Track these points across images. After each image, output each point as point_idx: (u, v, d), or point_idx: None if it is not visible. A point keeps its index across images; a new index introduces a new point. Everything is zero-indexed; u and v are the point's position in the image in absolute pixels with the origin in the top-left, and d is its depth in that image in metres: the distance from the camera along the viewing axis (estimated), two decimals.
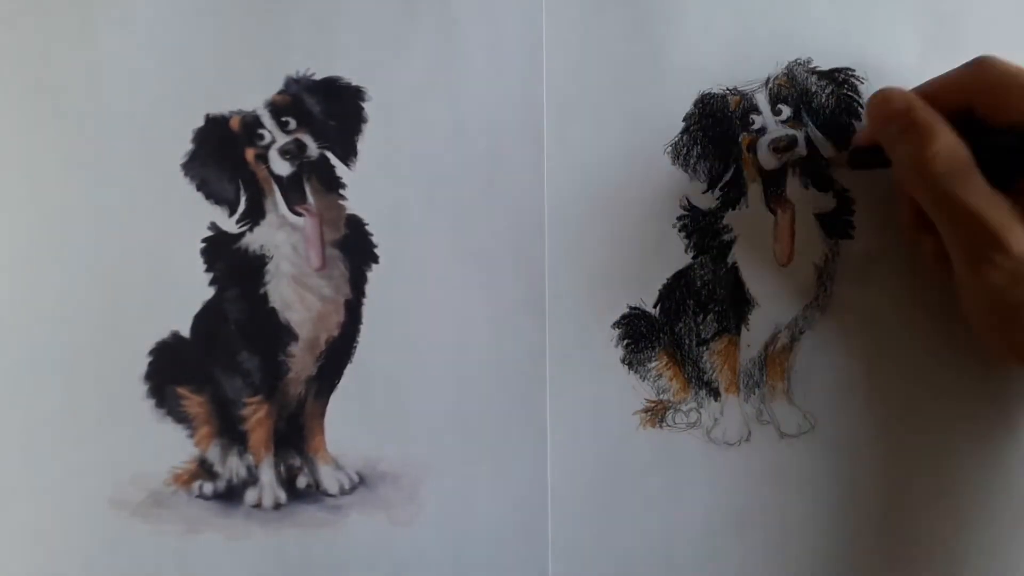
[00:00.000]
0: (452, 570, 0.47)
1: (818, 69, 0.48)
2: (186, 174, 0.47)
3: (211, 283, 0.48)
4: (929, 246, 0.44)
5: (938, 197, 0.40)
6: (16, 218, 0.47)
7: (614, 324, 0.48)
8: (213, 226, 0.48)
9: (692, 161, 0.48)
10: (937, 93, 0.42)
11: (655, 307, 0.48)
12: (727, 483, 0.48)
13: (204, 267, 0.48)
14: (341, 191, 0.48)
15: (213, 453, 0.48)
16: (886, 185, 0.47)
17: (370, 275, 0.48)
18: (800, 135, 0.48)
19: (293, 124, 0.48)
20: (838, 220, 0.48)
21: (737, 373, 0.48)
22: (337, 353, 0.48)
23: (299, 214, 0.48)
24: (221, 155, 0.48)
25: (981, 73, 0.41)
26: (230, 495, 0.48)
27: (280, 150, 0.47)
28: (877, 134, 0.43)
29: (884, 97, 0.43)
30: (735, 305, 0.48)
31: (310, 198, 0.48)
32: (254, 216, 0.48)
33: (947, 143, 0.40)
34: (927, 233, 0.44)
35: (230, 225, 0.48)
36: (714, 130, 0.48)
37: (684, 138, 0.48)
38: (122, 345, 0.47)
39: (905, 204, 0.45)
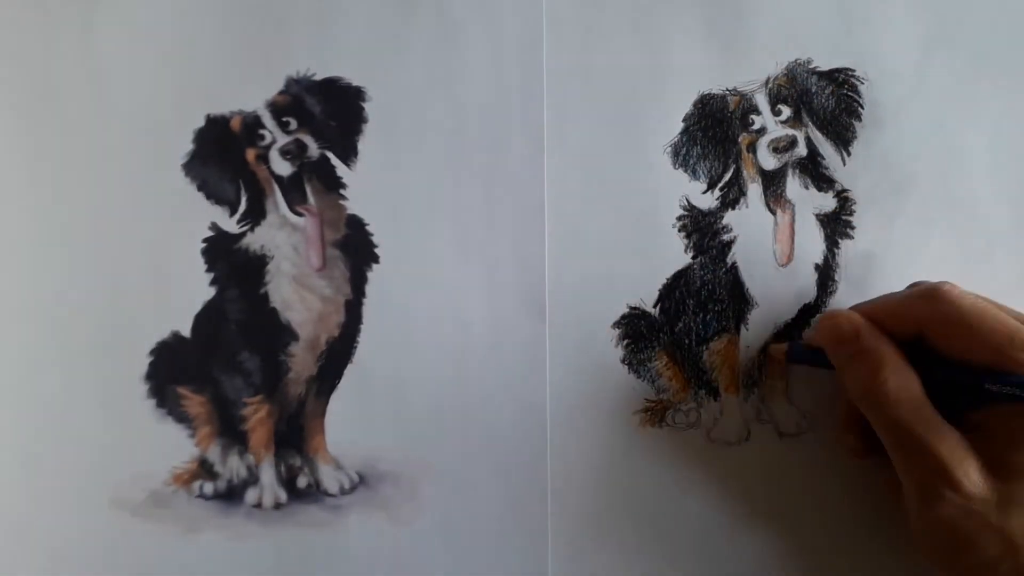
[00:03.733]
0: (452, 570, 0.47)
1: (818, 69, 0.48)
2: (187, 174, 0.48)
3: (212, 283, 0.48)
4: (861, 451, 0.44)
5: (888, 425, 0.40)
6: (16, 218, 0.47)
7: (614, 324, 0.48)
8: (214, 226, 0.48)
9: (692, 161, 0.48)
10: (888, 318, 0.41)
11: (655, 307, 0.48)
12: (727, 483, 0.48)
13: (205, 267, 0.48)
14: (342, 191, 0.48)
15: (214, 453, 0.48)
16: (886, 185, 0.47)
17: (370, 275, 0.48)
18: (800, 135, 0.48)
19: (294, 124, 0.48)
20: (838, 220, 0.48)
21: (737, 373, 0.48)
22: (337, 353, 0.48)
23: (300, 214, 0.48)
24: (222, 155, 0.48)
25: (936, 305, 0.40)
26: (230, 495, 0.48)
27: (281, 150, 0.48)
28: (828, 353, 0.43)
29: (833, 322, 0.42)
30: (735, 305, 0.48)
31: (311, 198, 0.48)
32: (255, 216, 0.48)
33: (897, 372, 0.40)
34: (865, 445, 0.44)
35: (231, 225, 0.48)
36: (714, 130, 0.48)
37: (684, 138, 0.48)
38: (123, 345, 0.47)
39: (843, 408, 0.45)
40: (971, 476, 0.38)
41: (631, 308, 0.48)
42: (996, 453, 0.38)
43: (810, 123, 0.48)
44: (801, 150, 0.48)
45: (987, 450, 0.38)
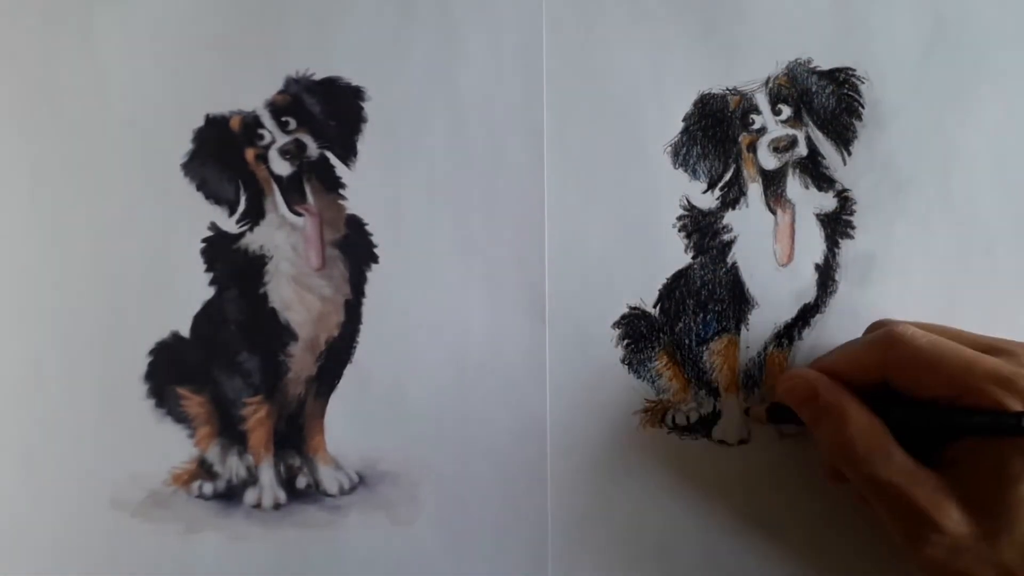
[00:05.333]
0: (452, 570, 0.47)
1: (818, 69, 0.48)
2: (186, 174, 0.48)
3: (211, 283, 0.48)
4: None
5: (862, 478, 0.39)
6: (17, 218, 0.48)
7: (614, 324, 0.48)
8: (213, 226, 0.48)
9: (692, 161, 0.48)
10: (848, 370, 0.41)
11: (655, 307, 0.48)
12: (727, 483, 0.47)
13: (204, 267, 0.48)
14: (341, 191, 0.48)
15: (213, 453, 0.48)
16: (886, 185, 0.47)
17: (370, 275, 0.48)
18: (800, 135, 0.48)
19: (293, 124, 0.48)
20: (838, 220, 0.48)
21: (737, 373, 0.48)
22: (337, 353, 0.48)
23: (299, 214, 0.48)
24: (221, 155, 0.48)
25: (892, 350, 0.40)
26: (230, 495, 0.48)
27: (280, 150, 0.48)
28: (797, 411, 0.43)
29: (791, 383, 0.42)
30: (735, 305, 0.48)
31: (310, 198, 0.48)
32: (254, 216, 0.48)
33: (861, 424, 0.39)
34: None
35: (230, 225, 0.48)
36: (714, 130, 0.48)
37: (684, 138, 0.48)
38: (122, 345, 0.47)
39: (828, 462, 0.44)
40: (953, 516, 0.38)
41: (631, 308, 0.48)
42: (974, 487, 0.38)
43: (810, 123, 0.48)
44: (801, 150, 0.48)
45: (965, 486, 0.38)
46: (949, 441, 0.39)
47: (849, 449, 0.40)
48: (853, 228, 0.48)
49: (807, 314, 0.48)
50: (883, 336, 0.41)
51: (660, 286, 0.48)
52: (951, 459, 0.39)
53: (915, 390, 0.40)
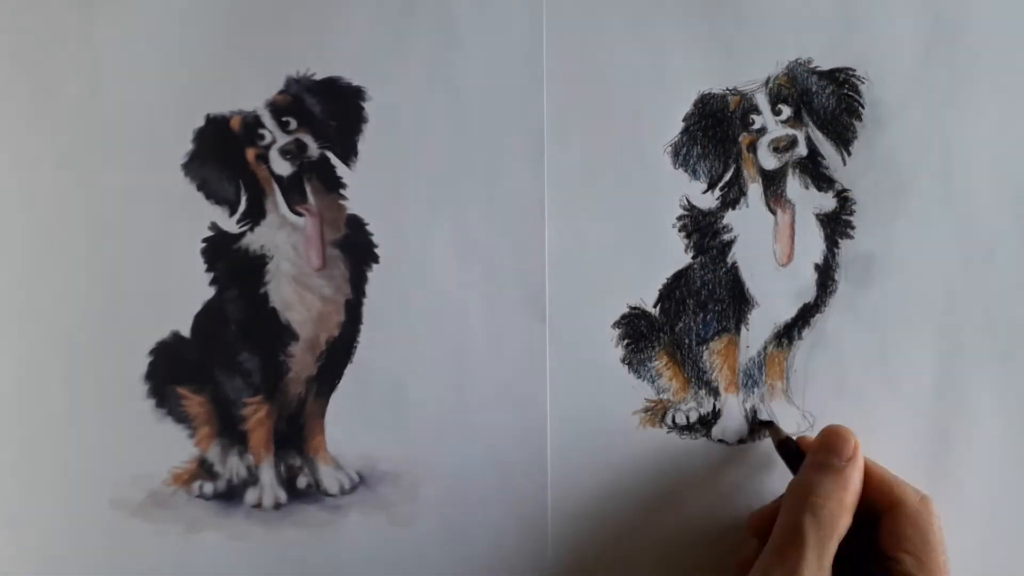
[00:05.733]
0: (452, 570, 0.47)
1: (818, 69, 0.48)
2: (186, 174, 0.48)
3: (211, 283, 0.48)
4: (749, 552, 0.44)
5: (789, 529, 0.40)
6: (17, 218, 0.47)
7: (614, 324, 0.48)
8: (213, 226, 0.48)
9: (692, 161, 0.48)
10: (875, 479, 0.42)
11: (655, 307, 0.48)
12: (727, 483, 0.48)
13: (204, 267, 0.48)
14: (341, 191, 0.48)
15: (213, 453, 0.48)
16: (886, 185, 0.47)
17: (370, 275, 0.48)
18: (800, 135, 0.48)
19: (293, 124, 0.48)
20: (838, 220, 0.48)
21: (736, 372, 0.48)
22: (337, 353, 0.48)
23: (299, 214, 0.48)
24: (221, 155, 0.48)
25: (917, 518, 0.41)
26: (230, 495, 0.48)
27: (280, 150, 0.48)
28: (814, 452, 0.43)
29: (843, 433, 0.42)
30: (735, 305, 0.48)
31: (310, 198, 0.48)
32: (254, 216, 0.48)
33: (842, 506, 0.40)
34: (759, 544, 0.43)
35: (230, 225, 0.48)
36: (714, 130, 0.48)
37: (684, 138, 0.48)
38: (122, 345, 0.47)
39: (766, 512, 0.45)
40: None
41: (631, 308, 0.48)
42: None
43: (810, 123, 0.48)
44: (801, 150, 0.48)
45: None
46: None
47: (814, 505, 0.40)
48: (853, 228, 0.48)
49: (807, 314, 0.48)
50: (923, 501, 0.41)
51: (660, 286, 0.48)
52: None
53: (891, 545, 0.40)
